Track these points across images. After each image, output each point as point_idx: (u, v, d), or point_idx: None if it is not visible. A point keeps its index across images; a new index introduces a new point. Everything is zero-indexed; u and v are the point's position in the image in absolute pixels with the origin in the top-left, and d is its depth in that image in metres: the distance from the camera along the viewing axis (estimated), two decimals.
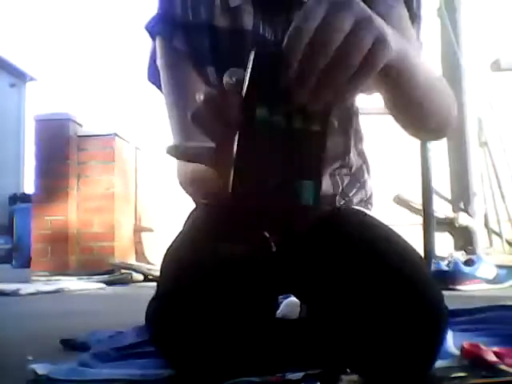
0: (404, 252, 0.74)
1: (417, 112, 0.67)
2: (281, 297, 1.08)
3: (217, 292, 0.71)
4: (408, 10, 0.83)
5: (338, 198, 0.94)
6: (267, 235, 0.90)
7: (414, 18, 0.85)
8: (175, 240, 0.84)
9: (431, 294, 0.68)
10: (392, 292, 0.67)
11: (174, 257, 0.80)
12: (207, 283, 0.71)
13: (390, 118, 0.70)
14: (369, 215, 0.94)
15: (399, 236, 0.79)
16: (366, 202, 1.00)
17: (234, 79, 0.46)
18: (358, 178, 0.97)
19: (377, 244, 0.74)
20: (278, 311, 1.06)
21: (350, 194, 0.96)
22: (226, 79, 0.46)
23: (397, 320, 0.66)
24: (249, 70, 0.44)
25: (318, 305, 0.78)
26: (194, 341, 0.70)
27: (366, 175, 0.99)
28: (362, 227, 0.82)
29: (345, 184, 0.94)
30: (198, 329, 0.70)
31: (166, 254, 0.82)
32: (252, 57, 0.44)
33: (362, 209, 0.96)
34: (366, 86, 0.49)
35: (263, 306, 0.79)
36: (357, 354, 0.70)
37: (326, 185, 0.91)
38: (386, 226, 0.84)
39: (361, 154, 0.99)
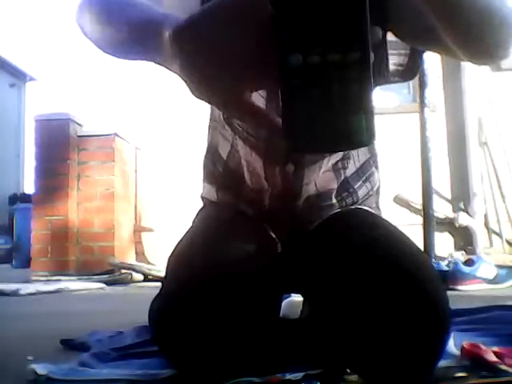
0: (409, 251, 0.74)
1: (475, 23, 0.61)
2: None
3: (222, 292, 0.71)
4: None
5: (340, 190, 0.93)
6: (273, 236, 0.91)
7: None
8: (182, 239, 0.84)
9: (436, 293, 0.68)
10: (396, 292, 0.67)
11: (181, 257, 0.80)
12: (212, 284, 0.71)
13: (390, 118, 0.70)
14: (374, 214, 0.94)
15: (403, 235, 0.79)
16: (373, 194, 1.00)
17: None
18: (363, 171, 0.96)
19: (381, 244, 0.74)
20: None
21: (355, 186, 0.95)
22: None
23: (401, 320, 0.66)
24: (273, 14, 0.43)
25: (322, 303, 0.78)
26: (195, 341, 0.70)
27: (372, 168, 0.98)
28: (365, 225, 0.82)
29: (349, 176, 0.94)
30: (201, 329, 0.70)
31: (172, 253, 0.82)
32: None
33: (367, 208, 0.96)
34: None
35: (267, 306, 0.79)
36: (359, 354, 0.70)
37: (328, 178, 0.91)
38: (391, 224, 0.84)
39: (369, 147, 0.97)
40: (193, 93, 0.46)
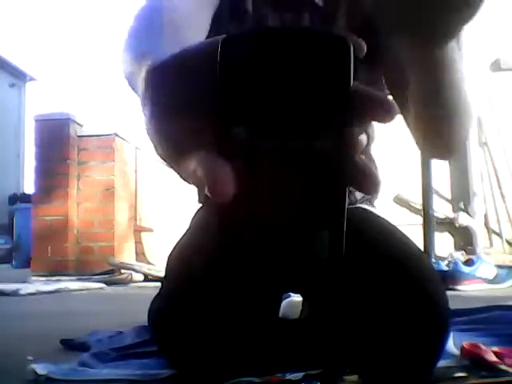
0: (408, 251, 0.74)
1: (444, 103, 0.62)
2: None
3: (221, 292, 0.71)
4: None
5: None
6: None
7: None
8: (181, 239, 0.84)
9: (436, 294, 0.68)
10: (396, 292, 0.67)
11: (180, 257, 0.80)
12: (211, 284, 0.71)
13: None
14: (373, 213, 0.94)
15: (403, 234, 0.79)
16: (369, 199, 1.00)
17: None
18: None
19: (381, 243, 0.74)
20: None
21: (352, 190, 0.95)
22: None
23: (401, 320, 0.66)
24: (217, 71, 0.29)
25: (322, 303, 0.78)
26: (195, 341, 0.70)
27: None
28: (364, 224, 0.82)
29: None
30: (200, 329, 0.70)
31: (171, 254, 0.82)
32: (219, 49, 0.29)
33: (365, 207, 0.96)
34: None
35: (267, 306, 0.79)
36: (359, 354, 0.70)
37: None
38: (390, 223, 0.84)
39: (367, 156, 0.98)
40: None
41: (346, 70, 0.28)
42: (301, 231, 0.29)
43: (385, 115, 0.29)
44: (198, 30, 0.64)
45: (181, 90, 0.33)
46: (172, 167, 0.34)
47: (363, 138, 0.29)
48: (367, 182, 0.29)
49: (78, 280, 3.39)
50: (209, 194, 0.28)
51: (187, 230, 0.89)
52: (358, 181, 0.29)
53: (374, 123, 0.95)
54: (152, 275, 3.44)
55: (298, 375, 0.72)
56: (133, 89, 0.50)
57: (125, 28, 0.61)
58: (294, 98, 0.28)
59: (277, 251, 0.30)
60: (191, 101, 0.32)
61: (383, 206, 1.03)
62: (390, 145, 3.69)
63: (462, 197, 4.00)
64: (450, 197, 4.07)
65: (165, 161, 0.34)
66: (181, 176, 0.34)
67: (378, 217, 0.92)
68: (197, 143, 0.31)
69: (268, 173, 0.28)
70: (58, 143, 4.02)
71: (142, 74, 0.36)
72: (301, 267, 0.31)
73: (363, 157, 0.30)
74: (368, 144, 0.97)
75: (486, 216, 3.98)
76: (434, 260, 2.69)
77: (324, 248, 0.29)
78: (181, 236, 0.86)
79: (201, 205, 1.03)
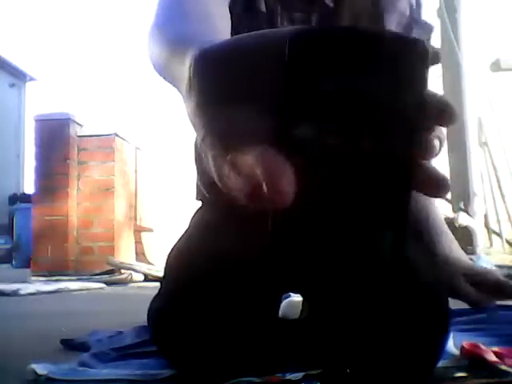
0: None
1: None
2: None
3: (221, 292, 0.71)
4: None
5: None
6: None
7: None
8: (181, 239, 0.84)
9: (436, 293, 0.68)
10: (395, 291, 0.67)
11: (179, 257, 0.80)
12: (211, 284, 0.71)
13: None
14: None
15: None
16: None
17: None
18: None
19: None
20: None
21: None
22: None
23: (400, 320, 0.66)
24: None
25: (322, 303, 0.78)
26: (195, 341, 0.70)
27: None
28: None
29: None
30: (200, 329, 0.70)
31: (170, 253, 0.82)
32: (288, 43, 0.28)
33: None
34: None
35: (266, 306, 0.79)
36: (359, 354, 0.70)
37: None
38: None
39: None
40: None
41: (423, 73, 0.28)
42: (364, 231, 0.29)
43: (449, 120, 0.29)
44: (224, 20, 0.61)
45: (239, 80, 0.31)
46: (213, 161, 0.32)
47: (436, 142, 0.29)
48: (438, 187, 0.29)
49: (78, 280, 3.39)
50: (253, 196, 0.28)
51: (186, 230, 0.89)
52: (426, 185, 0.29)
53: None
54: (152, 275, 3.44)
55: (298, 375, 0.72)
56: (162, 72, 0.49)
57: (153, 12, 0.58)
58: (366, 97, 0.27)
59: (339, 251, 0.30)
60: (251, 93, 0.31)
61: None
62: None
63: (461, 197, 4.00)
64: (450, 197, 4.07)
65: (209, 149, 0.32)
66: (217, 172, 0.32)
67: None
68: (253, 138, 0.29)
69: (333, 172, 0.28)
70: (58, 143, 4.02)
71: (188, 60, 0.34)
72: (364, 267, 0.31)
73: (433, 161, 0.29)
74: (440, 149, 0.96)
75: (486, 216, 3.98)
76: None
77: (387, 248, 0.29)
78: (180, 236, 0.86)
79: (200, 204, 1.03)
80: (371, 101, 0.27)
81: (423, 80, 0.28)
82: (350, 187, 0.28)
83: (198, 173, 0.98)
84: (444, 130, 0.30)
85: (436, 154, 0.29)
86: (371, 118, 0.27)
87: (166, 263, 0.82)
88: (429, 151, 0.29)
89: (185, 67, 0.35)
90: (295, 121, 0.28)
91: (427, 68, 0.28)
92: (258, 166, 0.27)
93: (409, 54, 0.27)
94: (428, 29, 0.87)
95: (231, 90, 0.32)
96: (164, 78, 0.49)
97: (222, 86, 0.32)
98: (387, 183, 0.28)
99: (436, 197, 0.30)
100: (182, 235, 0.86)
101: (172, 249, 0.83)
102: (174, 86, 0.43)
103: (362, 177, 0.28)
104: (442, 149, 0.30)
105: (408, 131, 0.28)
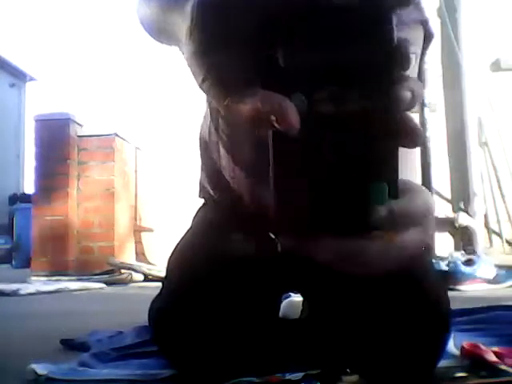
0: None
1: None
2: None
3: (221, 292, 0.71)
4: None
5: None
6: (273, 236, 0.90)
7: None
8: (183, 238, 0.84)
9: (436, 293, 0.68)
10: (396, 292, 0.67)
11: (181, 257, 0.80)
12: (212, 284, 0.71)
13: None
14: None
15: None
16: None
17: None
18: None
19: None
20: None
21: None
22: None
23: (401, 321, 0.66)
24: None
25: (322, 303, 0.78)
26: (195, 341, 0.70)
27: None
28: None
29: None
30: (200, 329, 0.70)
31: (172, 254, 0.82)
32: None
33: None
34: None
35: (267, 306, 0.79)
36: (359, 355, 0.70)
37: None
38: None
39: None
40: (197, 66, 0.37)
41: (389, 31, 0.30)
42: (360, 185, 0.31)
43: (405, 65, 0.31)
44: None
45: (238, 24, 0.33)
46: (217, 101, 0.34)
47: (407, 93, 0.31)
48: (412, 137, 0.31)
49: (78, 280, 3.39)
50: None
51: (188, 229, 0.89)
52: (402, 136, 0.31)
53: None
54: (152, 275, 3.44)
55: (298, 375, 0.72)
56: (156, 30, 0.49)
57: None
58: (346, 63, 0.30)
59: (340, 205, 0.31)
60: (250, 37, 0.33)
61: None
62: None
63: (461, 197, 4.00)
64: (450, 197, 4.07)
65: (208, 94, 0.34)
66: (226, 109, 0.34)
67: None
68: (255, 81, 0.32)
69: (325, 136, 0.30)
70: (58, 143, 4.02)
71: (189, 7, 0.36)
72: (363, 216, 0.31)
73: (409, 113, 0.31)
74: (414, 100, 0.92)
75: (486, 216, 3.98)
76: (434, 260, 2.69)
77: (383, 197, 0.31)
78: (182, 235, 0.86)
79: (202, 202, 1.03)
80: (345, 63, 0.30)
81: (389, 35, 0.30)
82: (342, 147, 0.31)
83: (201, 169, 0.98)
84: (420, 85, 0.32)
85: (409, 106, 0.30)
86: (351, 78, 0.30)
87: (168, 263, 0.82)
88: (399, 102, 0.30)
89: (184, 15, 0.37)
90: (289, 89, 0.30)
91: (391, 23, 0.30)
92: (263, 101, 0.30)
93: (373, 16, 0.30)
94: None
95: (231, 34, 0.34)
96: (158, 35, 0.50)
97: (221, 30, 0.34)
98: (374, 137, 0.30)
99: (410, 146, 0.31)
100: (185, 234, 0.86)
101: (174, 249, 0.83)
102: (171, 39, 0.44)
103: (353, 135, 0.30)
104: (418, 102, 0.32)
105: (378, 83, 0.30)
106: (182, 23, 0.37)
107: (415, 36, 0.64)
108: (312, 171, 0.31)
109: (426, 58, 0.67)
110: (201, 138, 0.88)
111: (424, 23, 0.67)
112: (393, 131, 0.30)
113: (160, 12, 0.48)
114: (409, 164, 0.78)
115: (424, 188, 0.36)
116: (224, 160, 0.81)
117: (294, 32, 0.30)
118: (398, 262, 0.34)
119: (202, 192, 1.00)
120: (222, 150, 0.81)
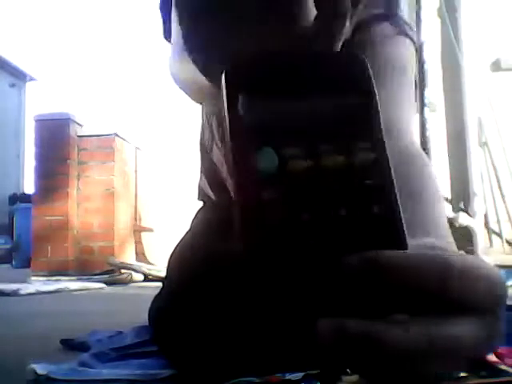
0: None
1: None
2: None
3: (222, 292, 0.71)
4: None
5: None
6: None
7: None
8: (183, 239, 0.84)
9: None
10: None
11: (181, 256, 0.80)
12: (212, 284, 0.71)
13: None
14: None
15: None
16: None
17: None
18: None
19: None
20: None
21: None
22: None
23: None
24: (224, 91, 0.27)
25: (322, 303, 0.78)
26: (195, 340, 0.70)
27: None
28: None
29: None
30: (201, 329, 0.70)
31: (172, 254, 0.82)
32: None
33: None
34: None
35: (267, 306, 0.79)
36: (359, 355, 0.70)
37: None
38: None
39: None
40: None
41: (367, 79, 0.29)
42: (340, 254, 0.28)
43: None
44: None
45: None
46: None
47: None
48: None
49: (78, 280, 3.39)
50: None
51: (188, 230, 0.89)
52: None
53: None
54: (152, 275, 3.44)
55: (298, 375, 0.72)
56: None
57: None
58: (318, 115, 0.28)
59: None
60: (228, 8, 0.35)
61: None
62: None
63: (461, 197, 4.00)
64: (450, 197, 4.07)
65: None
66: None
67: None
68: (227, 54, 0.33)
69: (299, 195, 0.27)
70: (58, 143, 4.02)
71: None
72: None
73: None
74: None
75: (486, 216, 3.98)
76: None
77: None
78: (182, 236, 0.86)
79: (201, 204, 1.03)
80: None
81: None
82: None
83: (201, 172, 0.98)
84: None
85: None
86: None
87: (168, 263, 0.82)
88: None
89: None
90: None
91: None
92: None
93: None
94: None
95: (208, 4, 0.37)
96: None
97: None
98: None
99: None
100: (184, 235, 0.86)
101: (174, 249, 0.83)
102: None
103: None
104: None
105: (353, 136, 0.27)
106: None
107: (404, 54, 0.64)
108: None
109: (426, 58, 0.67)
110: (201, 141, 0.89)
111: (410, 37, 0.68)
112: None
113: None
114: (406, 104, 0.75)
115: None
116: (223, 164, 0.82)
117: (257, 82, 0.28)
118: None
119: (201, 195, 1.01)
120: (220, 155, 0.81)
